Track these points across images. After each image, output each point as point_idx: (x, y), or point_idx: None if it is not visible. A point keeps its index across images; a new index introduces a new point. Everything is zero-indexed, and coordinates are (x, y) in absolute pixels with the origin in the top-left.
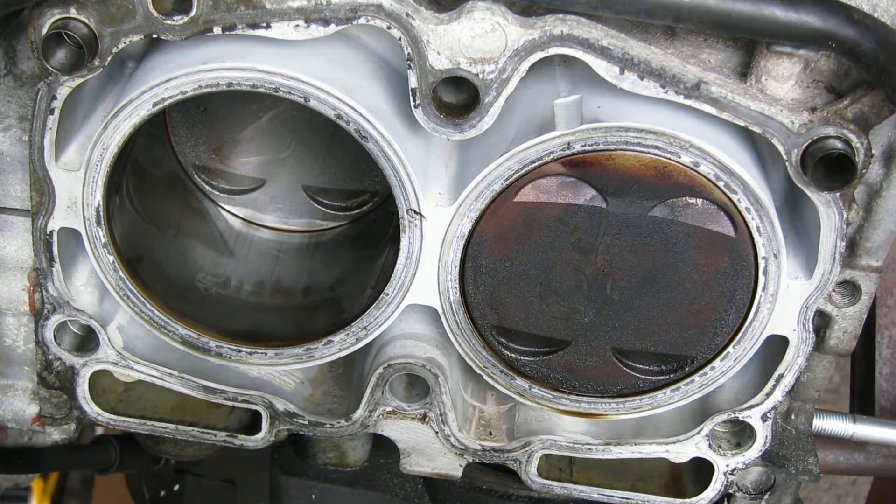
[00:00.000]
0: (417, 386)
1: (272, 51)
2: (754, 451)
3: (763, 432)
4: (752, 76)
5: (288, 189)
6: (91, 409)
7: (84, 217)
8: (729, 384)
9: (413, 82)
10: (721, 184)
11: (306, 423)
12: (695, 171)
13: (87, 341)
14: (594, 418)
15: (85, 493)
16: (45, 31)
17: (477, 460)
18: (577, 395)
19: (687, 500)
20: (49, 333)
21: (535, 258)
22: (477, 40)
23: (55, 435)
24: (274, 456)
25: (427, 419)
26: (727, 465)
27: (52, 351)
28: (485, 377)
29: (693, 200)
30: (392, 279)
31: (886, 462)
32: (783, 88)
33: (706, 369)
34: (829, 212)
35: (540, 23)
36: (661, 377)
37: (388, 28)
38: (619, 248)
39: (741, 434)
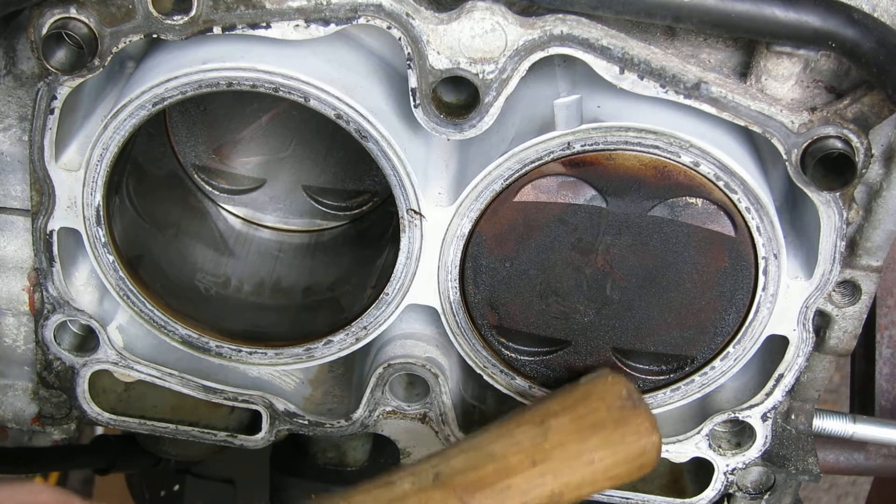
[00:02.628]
0: (417, 386)
1: (272, 51)
2: (754, 450)
3: (763, 432)
4: (752, 76)
5: (288, 189)
6: (91, 409)
7: (84, 217)
8: (729, 384)
9: (413, 82)
10: (721, 183)
11: (306, 423)
12: (695, 170)
13: (87, 341)
14: None
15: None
16: (45, 30)
17: None
18: None
19: (687, 500)
20: (49, 333)
21: (535, 258)
22: (477, 40)
23: (55, 435)
24: (274, 456)
25: (427, 419)
26: (727, 465)
27: (52, 351)
28: (485, 377)
29: (693, 200)
30: (392, 279)
31: (886, 462)
32: (783, 88)
33: (706, 369)
34: (829, 212)
35: (540, 23)
36: (661, 377)
37: (388, 28)
38: (619, 248)
39: (741, 434)
